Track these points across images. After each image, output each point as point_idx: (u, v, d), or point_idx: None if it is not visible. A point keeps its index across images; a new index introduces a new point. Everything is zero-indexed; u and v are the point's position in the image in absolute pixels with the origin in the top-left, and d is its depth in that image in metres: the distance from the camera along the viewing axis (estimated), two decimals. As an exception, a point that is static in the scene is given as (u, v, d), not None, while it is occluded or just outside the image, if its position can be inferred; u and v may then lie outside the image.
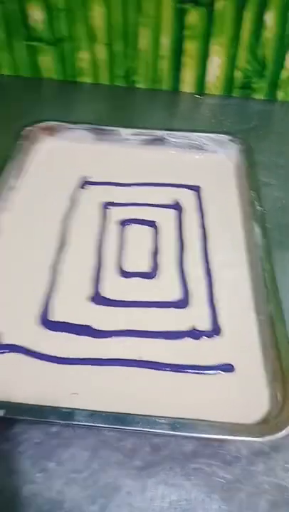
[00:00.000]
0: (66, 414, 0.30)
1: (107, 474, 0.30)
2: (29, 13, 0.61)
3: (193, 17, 0.58)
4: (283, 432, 0.30)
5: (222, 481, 0.30)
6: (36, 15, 0.61)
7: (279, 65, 0.62)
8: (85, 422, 0.30)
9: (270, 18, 0.57)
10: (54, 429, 0.32)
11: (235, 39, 0.60)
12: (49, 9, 0.60)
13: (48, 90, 0.67)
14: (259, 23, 0.58)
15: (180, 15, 0.58)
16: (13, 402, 0.31)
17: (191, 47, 0.61)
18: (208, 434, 0.30)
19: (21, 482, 0.30)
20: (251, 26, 0.58)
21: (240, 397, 0.33)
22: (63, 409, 0.30)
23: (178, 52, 0.62)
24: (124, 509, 0.29)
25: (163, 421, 0.30)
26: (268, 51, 0.61)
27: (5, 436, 0.32)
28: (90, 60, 0.65)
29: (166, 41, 0.61)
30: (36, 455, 0.31)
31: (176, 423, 0.30)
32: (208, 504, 0.29)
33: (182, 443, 0.32)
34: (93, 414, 0.30)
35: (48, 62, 0.66)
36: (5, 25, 0.62)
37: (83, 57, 0.65)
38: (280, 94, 0.65)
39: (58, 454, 0.31)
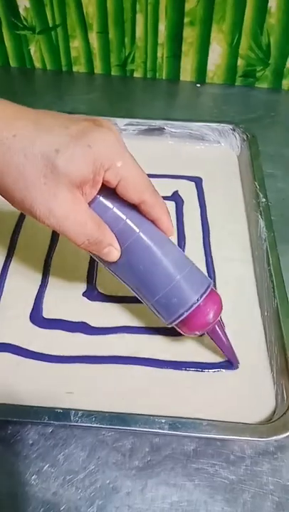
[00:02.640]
0: (60, 415, 0.31)
1: (105, 475, 0.31)
2: (18, 1, 0.62)
3: (193, 3, 0.59)
4: (289, 432, 0.30)
5: (225, 481, 0.31)
6: (26, 3, 0.62)
7: (284, 52, 0.63)
8: (81, 422, 0.30)
9: (274, 3, 0.58)
10: (49, 429, 0.33)
11: (237, 26, 0.61)
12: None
13: (41, 81, 0.68)
14: (262, 9, 0.59)
15: (179, 0, 0.59)
16: (4, 403, 0.32)
17: (190, 34, 0.63)
18: (210, 434, 0.30)
19: (16, 484, 0.30)
20: (254, 13, 0.59)
21: (244, 396, 0.34)
22: (57, 410, 0.31)
23: (177, 39, 0.63)
24: (123, 510, 0.29)
25: (163, 420, 0.30)
26: (273, 38, 0.62)
27: (-2, 438, 0.32)
28: (84, 49, 0.66)
29: (164, 28, 0.62)
30: (31, 456, 0.31)
31: (176, 422, 0.30)
32: (210, 505, 0.30)
33: (184, 442, 0.32)
34: (89, 414, 0.31)
35: (39, 52, 0.67)
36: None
37: (76, 46, 0.66)
38: (285, 83, 0.66)
39: (53, 455, 0.31)
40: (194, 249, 0.43)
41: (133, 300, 0.39)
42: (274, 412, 0.33)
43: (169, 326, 0.34)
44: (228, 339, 0.35)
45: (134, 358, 0.36)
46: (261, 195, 0.45)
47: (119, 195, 0.30)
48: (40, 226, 0.44)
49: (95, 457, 0.31)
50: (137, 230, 0.31)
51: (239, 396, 0.34)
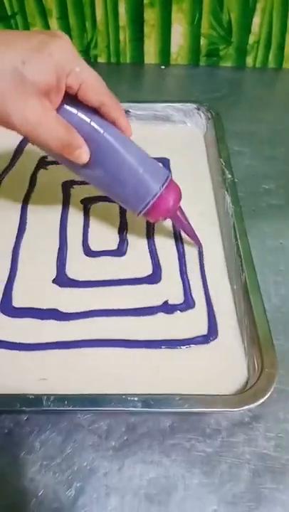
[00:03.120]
0: (33, 401, 0.30)
1: (82, 458, 0.30)
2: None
3: (151, -18, 0.58)
4: (261, 401, 0.30)
5: (202, 454, 0.31)
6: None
7: (245, 29, 0.62)
8: (53, 406, 0.30)
9: (232, -20, 0.58)
10: (24, 417, 0.32)
11: (197, 4, 0.60)
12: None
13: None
14: (221, -14, 0.58)
15: (136, -19, 0.58)
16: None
17: (151, 16, 0.62)
18: (183, 408, 0.30)
19: (-8, 474, 0.30)
20: (213, -10, 0.59)
21: (218, 369, 0.34)
22: (29, 396, 0.30)
23: (138, 21, 0.62)
24: (101, 491, 0.29)
25: (135, 398, 0.30)
26: (233, 15, 0.61)
27: (-28, 429, 0.32)
28: (46, 35, 0.65)
29: (124, 11, 0.61)
30: (6, 445, 0.31)
31: (149, 399, 0.30)
32: (188, 479, 0.30)
33: (160, 419, 0.32)
34: (61, 398, 0.30)
35: None
36: None
37: (38, 33, 0.64)
38: (249, 60, 0.66)
39: (29, 443, 0.31)
40: (163, 229, 0.43)
41: (105, 284, 0.39)
42: (246, 382, 0.33)
43: (138, 216, 0.38)
44: (189, 224, 0.40)
45: (107, 341, 0.35)
46: (227, 172, 0.45)
47: (80, 99, 0.33)
48: (6, 215, 0.44)
49: (72, 440, 0.31)
50: (101, 131, 0.34)
51: (213, 370, 0.34)
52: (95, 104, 0.33)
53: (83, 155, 0.34)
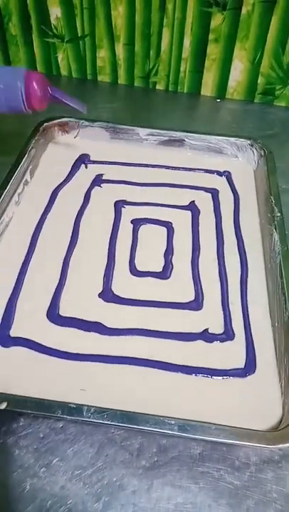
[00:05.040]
0: (73, 410, 0.31)
1: (113, 472, 0.31)
2: (50, 10, 0.64)
3: (219, 20, 0.61)
4: (295, 441, 0.30)
5: (230, 486, 0.31)
6: (57, 12, 0.64)
7: (303, 72, 0.64)
8: (93, 418, 0.31)
9: (296, 25, 0.59)
10: (60, 424, 0.33)
11: (260, 45, 0.62)
12: (70, 7, 0.63)
13: (66, 88, 0.70)
14: (286, 30, 0.60)
15: (205, 18, 0.61)
16: (17, 395, 0.32)
17: (214, 50, 0.64)
18: (218, 438, 0.31)
19: (24, 476, 0.31)
20: (278, 33, 0.60)
21: (252, 403, 0.34)
22: (70, 405, 0.31)
23: (200, 55, 0.65)
24: (128, 508, 0.29)
25: (172, 422, 0.31)
26: (293, 58, 0.63)
27: (9, 430, 0.33)
28: (110, 59, 0.68)
29: (189, 43, 0.64)
30: (40, 450, 0.32)
31: (185, 425, 0.31)
32: (214, 509, 0.30)
33: (191, 445, 0.32)
34: (101, 411, 0.31)
35: (66, 60, 0.69)
36: (24, 21, 0.65)
37: (103, 56, 0.67)
38: (303, 103, 0.67)
39: (62, 450, 0.32)
40: (208, 258, 0.44)
41: (147, 304, 0.40)
42: (280, 421, 0.33)
43: (26, 111, 0.44)
44: (66, 99, 0.46)
45: (146, 360, 0.36)
46: (276, 210, 0.46)
47: None
48: (60, 228, 0.45)
49: (104, 454, 0.32)
50: None
51: (246, 404, 0.34)
52: None
53: None
